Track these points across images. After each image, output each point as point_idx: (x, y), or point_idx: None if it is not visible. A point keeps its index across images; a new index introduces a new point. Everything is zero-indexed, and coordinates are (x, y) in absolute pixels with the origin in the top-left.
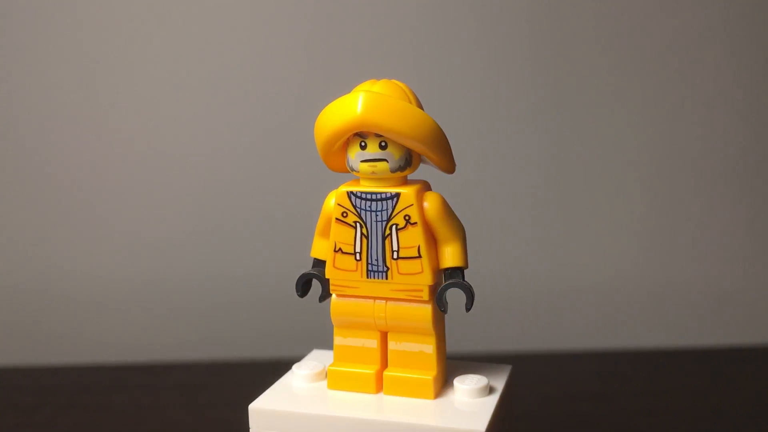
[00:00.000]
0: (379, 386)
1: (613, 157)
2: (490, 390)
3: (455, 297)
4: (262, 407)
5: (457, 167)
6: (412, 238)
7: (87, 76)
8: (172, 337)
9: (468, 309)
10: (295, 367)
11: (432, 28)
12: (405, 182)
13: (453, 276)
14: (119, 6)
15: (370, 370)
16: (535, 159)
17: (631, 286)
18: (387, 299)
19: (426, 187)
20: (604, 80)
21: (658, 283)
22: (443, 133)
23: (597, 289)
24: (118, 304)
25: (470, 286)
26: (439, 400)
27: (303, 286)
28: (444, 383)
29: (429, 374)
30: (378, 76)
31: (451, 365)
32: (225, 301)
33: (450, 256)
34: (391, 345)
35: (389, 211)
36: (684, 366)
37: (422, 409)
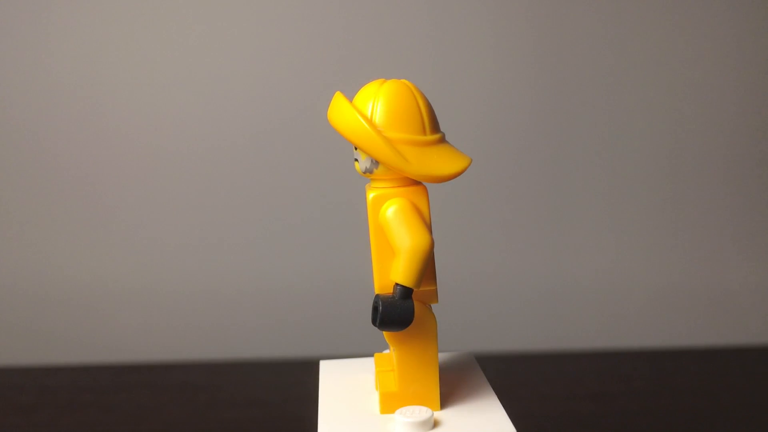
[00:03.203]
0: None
1: (614, 157)
2: (435, 426)
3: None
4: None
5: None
6: (372, 241)
7: (88, 73)
8: (173, 336)
9: (374, 323)
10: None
11: (434, 27)
12: (401, 184)
13: (393, 290)
14: (123, 2)
15: (378, 368)
16: (535, 159)
17: (632, 286)
18: None
19: (404, 192)
20: (604, 80)
21: (658, 283)
22: (375, 138)
23: (597, 289)
24: (118, 304)
25: (387, 303)
26: (383, 417)
27: None
28: (413, 402)
29: (387, 388)
30: (389, 76)
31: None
32: (225, 301)
33: (393, 269)
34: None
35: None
36: (684, 366)
37: (354, 418)
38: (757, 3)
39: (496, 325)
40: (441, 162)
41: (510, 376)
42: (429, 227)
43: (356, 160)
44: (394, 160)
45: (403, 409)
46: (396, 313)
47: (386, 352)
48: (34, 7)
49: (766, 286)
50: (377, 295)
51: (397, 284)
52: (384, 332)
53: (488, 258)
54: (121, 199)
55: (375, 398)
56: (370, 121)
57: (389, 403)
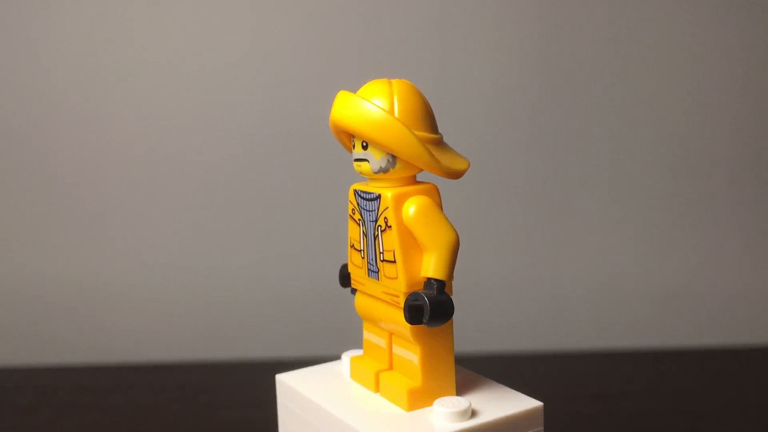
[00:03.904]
0: (377, 386)
1: (614, 158)
2: (473, 415)
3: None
4: (284, 380)
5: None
6: (390, 242)
7: (87, 74)
8: (172, 337)
9: (425, 322)
10: (344, 354)
11: (438, 29)
12: (407, 183)
13: (426, 286)
14: (124, 4)
15: (371, 369)
16: (536, 161)
17: (632, 287)
18: (381, 300)
19: (424, 190)
20: (603, 83)
21: (658, 284)
22: (409, 136)
23: (597, 289)
24: (118, 305)
25: (432, 299)
26: (412, 414)
27: (343, 278)
28: (437, 396)
29: (408, 385)
30: (388, 75)
31: (477, 384)
32: (225, 301)
33: (425, 265)
34: (393, 347)
35: (376, 212)
36: (684, 366)
37: (385, 418)
38: (759, 2)
39: (497, 325)
40: (452, 158)
41: (510, 376)
42: None
43: (362, 160)
44: (427, 158)
45: (441, 400)
46: (442, 307)
47: (357, 353)
48: (34, 7)
49: (766, 286)
50: (415, 293)
51: (432, 279)
52: (413, 331)
53: (488, 259)
54: (121, 201)
55: (378, 398)
56: (402, 120)
57: (416, 399)
